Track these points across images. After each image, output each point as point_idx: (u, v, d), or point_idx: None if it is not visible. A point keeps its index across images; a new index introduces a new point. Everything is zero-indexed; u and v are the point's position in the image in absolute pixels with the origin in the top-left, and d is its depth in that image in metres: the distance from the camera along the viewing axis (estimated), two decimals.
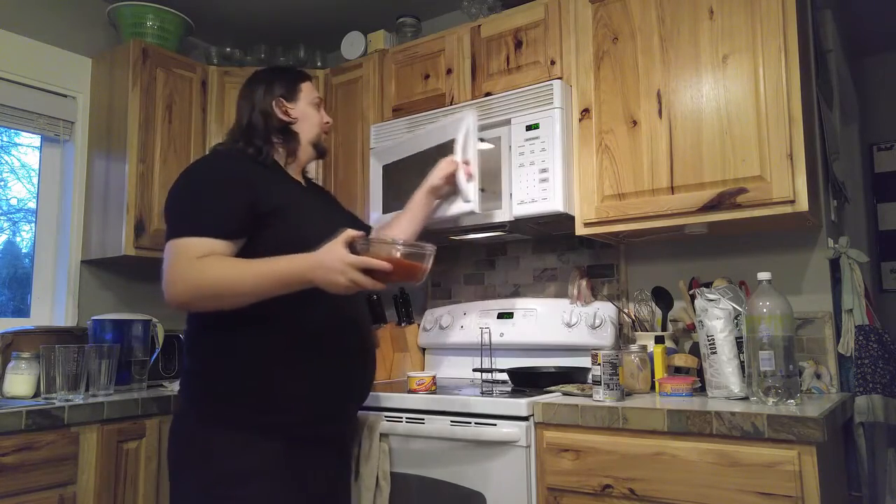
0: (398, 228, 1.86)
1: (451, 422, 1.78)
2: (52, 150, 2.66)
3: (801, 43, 1.79)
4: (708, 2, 1.86)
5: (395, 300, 2.53)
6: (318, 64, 2.97)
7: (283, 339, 1.49)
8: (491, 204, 2.10)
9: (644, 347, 1.93)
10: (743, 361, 1.71)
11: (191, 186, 1.53)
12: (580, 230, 2.03)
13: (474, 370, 2.28)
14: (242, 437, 1.45)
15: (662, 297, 2.09)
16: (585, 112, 2.04)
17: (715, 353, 1.75)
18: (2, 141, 2.62)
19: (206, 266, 1.39)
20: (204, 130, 2.73)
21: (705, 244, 2.15)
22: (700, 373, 1.85)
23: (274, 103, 1.68)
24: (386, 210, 2.30)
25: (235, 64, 2.89)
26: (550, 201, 1.99)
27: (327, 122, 1.78)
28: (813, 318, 1.96)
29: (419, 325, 2.60)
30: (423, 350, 2.59)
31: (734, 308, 1.77)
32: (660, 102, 1.91)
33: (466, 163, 1.88)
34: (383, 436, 1.86)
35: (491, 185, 2.11)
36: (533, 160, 2.03)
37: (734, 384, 1.71)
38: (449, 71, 2.37)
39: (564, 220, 2.06)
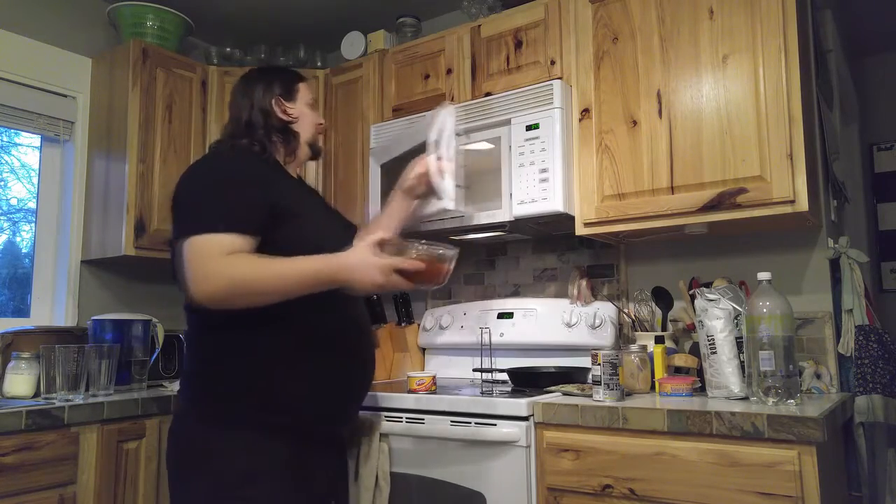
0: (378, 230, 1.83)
1: (451, 422, 1.78)
2: (52, 150, 2.66)
3: (801, 43, 1.79)
4: (708, 2, 1.86)
5: (394, 300, 2.53)
6: (318, 64, 2.97)
7: (287, 340, 1.49)
8: (491, 204, 2.10)
9: (644, 347, 1.93)
10: (743, 361, 1.71)
11: (210, 183, 1.50)
12: (580, 230, 2.03)
13: (474, 370, 2.28)
14: (243, 438, 1.45)
15: (662, 297, 2.09)
16: (585, 112, 2.04)
17: (715, 353, 1.75)
18: (2, 141, 2.62)
19: (240, 263, 1.38)
20: (204, 130, 2.73)
21: (705, 244, 2.15)
22: (700, 373, 1.85)
23: (273, 102, 1.67)
24: None
25: (235, 64, 2.89)
26: (550, 201, 1.99)
27: (321, 124, 1.78)
28: (813, 318, 1.96)
29: (419, 325, 2.59)
30: (423, 350, 2.59)
31: (734, 308, 1.77)
32: (660, 102, 1.91)
33: (440, 160, 1.85)
34: (383, 436, 1.86)
35: (491, 185, 2.11)
36: (533, 160, 2.03)
37: (734, 384, 1.71)
38: (449, 71, 2.37)
39: (564, 220, 2.06)
